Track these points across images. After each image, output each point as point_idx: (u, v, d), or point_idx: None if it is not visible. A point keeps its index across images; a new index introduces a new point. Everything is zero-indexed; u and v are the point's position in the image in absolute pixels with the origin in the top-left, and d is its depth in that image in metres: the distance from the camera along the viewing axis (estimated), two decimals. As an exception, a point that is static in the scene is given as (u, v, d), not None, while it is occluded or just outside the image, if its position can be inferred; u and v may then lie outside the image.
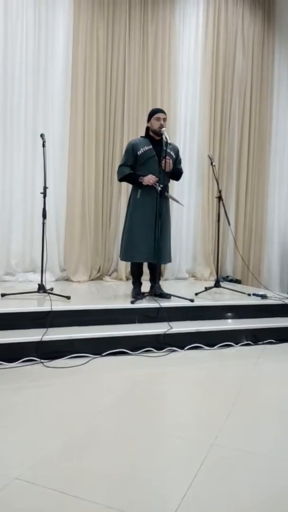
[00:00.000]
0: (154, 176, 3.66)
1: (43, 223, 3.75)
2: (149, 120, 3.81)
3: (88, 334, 3.15)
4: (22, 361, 2.87)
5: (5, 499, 1.52)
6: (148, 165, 3.72)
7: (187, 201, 5.49)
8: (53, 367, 2.82)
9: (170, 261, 4.02)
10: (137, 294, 3.80)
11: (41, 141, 3.83)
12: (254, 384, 2.76)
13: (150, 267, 3.93)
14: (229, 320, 3.84)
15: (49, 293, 3.65)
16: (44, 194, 3.72)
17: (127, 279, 4.98)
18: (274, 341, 3.68)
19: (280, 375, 2.99)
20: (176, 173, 3.93)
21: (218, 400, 2.47)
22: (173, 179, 4.01)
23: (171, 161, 3.71)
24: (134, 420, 2.17)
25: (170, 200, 3.92)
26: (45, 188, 3.73)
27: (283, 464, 1.82)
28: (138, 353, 3.19)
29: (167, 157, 3.65)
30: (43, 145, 3.77)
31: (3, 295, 3.62)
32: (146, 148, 3.74)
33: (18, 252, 4.72)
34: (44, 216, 3.73)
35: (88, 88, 4.91)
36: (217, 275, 4.57)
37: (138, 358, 3.13)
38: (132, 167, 3.77)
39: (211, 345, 3.43)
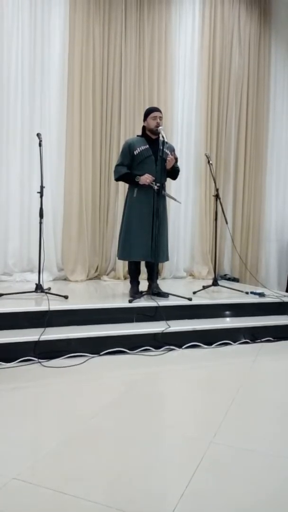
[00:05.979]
0: (150, 176, 3.66)
1: (40, 223, 3.74)
2: (145, 119, 3.81)
3: (86, 333, 3.15)
4: (20, 361, 2.86)
5: (3, 499, 1.51)
6: (145, 164, 3.72)
7: (184, 200, 5.49)
8: (51, 367, 2.82)
9: (167, 259, 4.03)
10: (135, 293, 3.80)
11: (37, 141, 3.82)
12: (252, 382, 2.76)
13: (148, 266, 3.92)
14: (227, 319, 3.84)
15: (46, 292, 3.65)
16: (41, 193, 3.71)
17: (125, 278, 4.98)
18: (272, 339, 3.68)
19: (278, 373, 3.00)
20: (174, 172, 3.92)
21: (216, 398, 2.47)
22: (170, 178, 4.00)
23: (173, 157, 3.71)
24: (132, 419, 2.17)
25: (167, 198, 3.92)
26: (42, 187, 3.72)
27: (282, 462, 1.82)
28: (136, 352, 3.19)
29: (170, 154, 3.69)
30: (40, 145, 3.77)
31: (0, 295, 3.61)
32: (143, 147, 3.74)
33: (16, 252, 4.72)
34: (41, 215, 3.72)
35: (84, 87, 4.90)
36: (214, 273, 4.58)
37: (136, 357, 3.13)
38: (129, 166, 3.77)
39: (209, 343, 3.43)
